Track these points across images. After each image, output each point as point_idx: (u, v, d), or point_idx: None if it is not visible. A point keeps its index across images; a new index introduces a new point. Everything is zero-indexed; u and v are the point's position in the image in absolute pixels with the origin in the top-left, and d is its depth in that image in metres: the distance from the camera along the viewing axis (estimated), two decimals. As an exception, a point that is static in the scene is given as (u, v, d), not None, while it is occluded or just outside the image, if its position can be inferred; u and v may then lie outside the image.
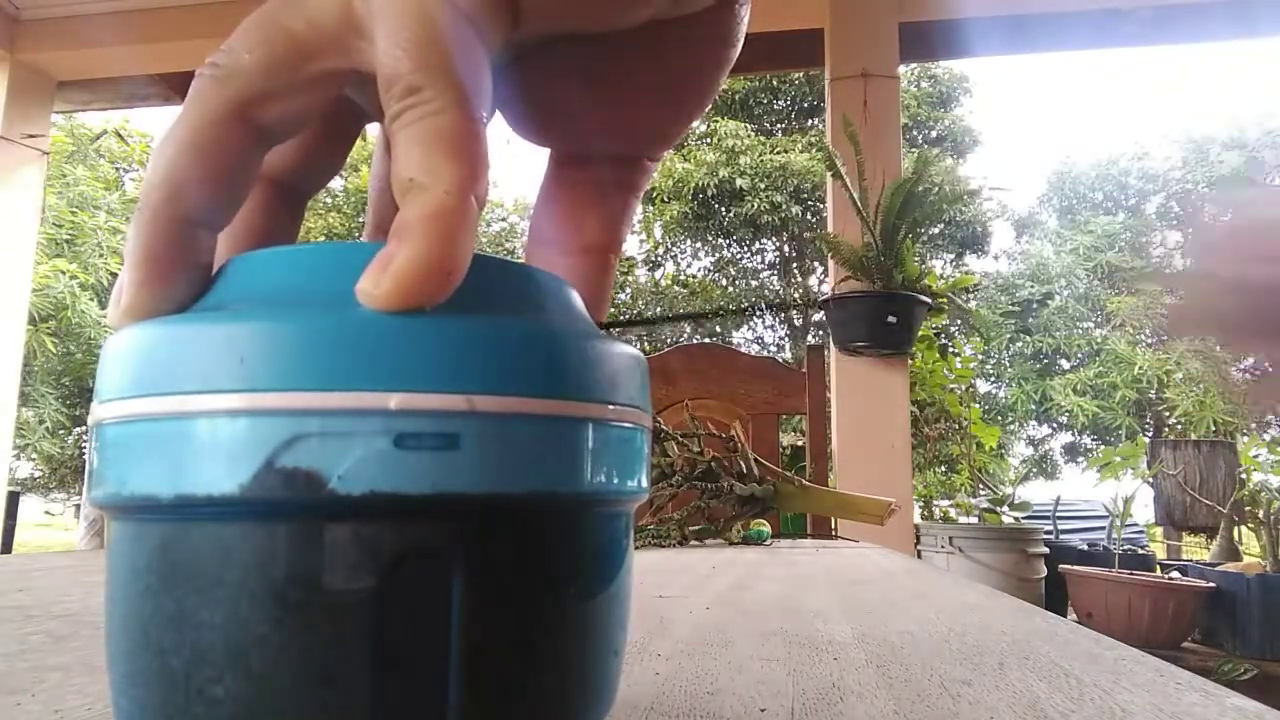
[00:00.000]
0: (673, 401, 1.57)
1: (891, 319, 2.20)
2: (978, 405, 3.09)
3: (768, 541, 1.08)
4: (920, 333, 2.36)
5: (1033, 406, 10.59)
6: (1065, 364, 11.07)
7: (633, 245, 11.08)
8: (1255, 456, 2.88)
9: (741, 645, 0.35)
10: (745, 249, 11.36)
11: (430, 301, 0.15)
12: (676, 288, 10.94)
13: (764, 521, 1.09)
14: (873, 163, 2.25)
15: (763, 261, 11.54)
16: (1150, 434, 9.77)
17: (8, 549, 4.24)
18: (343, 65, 0.17)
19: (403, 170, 0.16)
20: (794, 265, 11.22)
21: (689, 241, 11.26)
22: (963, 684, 0.28)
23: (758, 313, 11.05)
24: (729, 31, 0.22)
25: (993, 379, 11.13)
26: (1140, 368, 9.62)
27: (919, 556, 2.57)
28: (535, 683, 0.16)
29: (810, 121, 10.80)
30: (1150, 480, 3.22)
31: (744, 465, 1.06)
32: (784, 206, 9.86)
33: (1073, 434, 11.37)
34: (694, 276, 11.31)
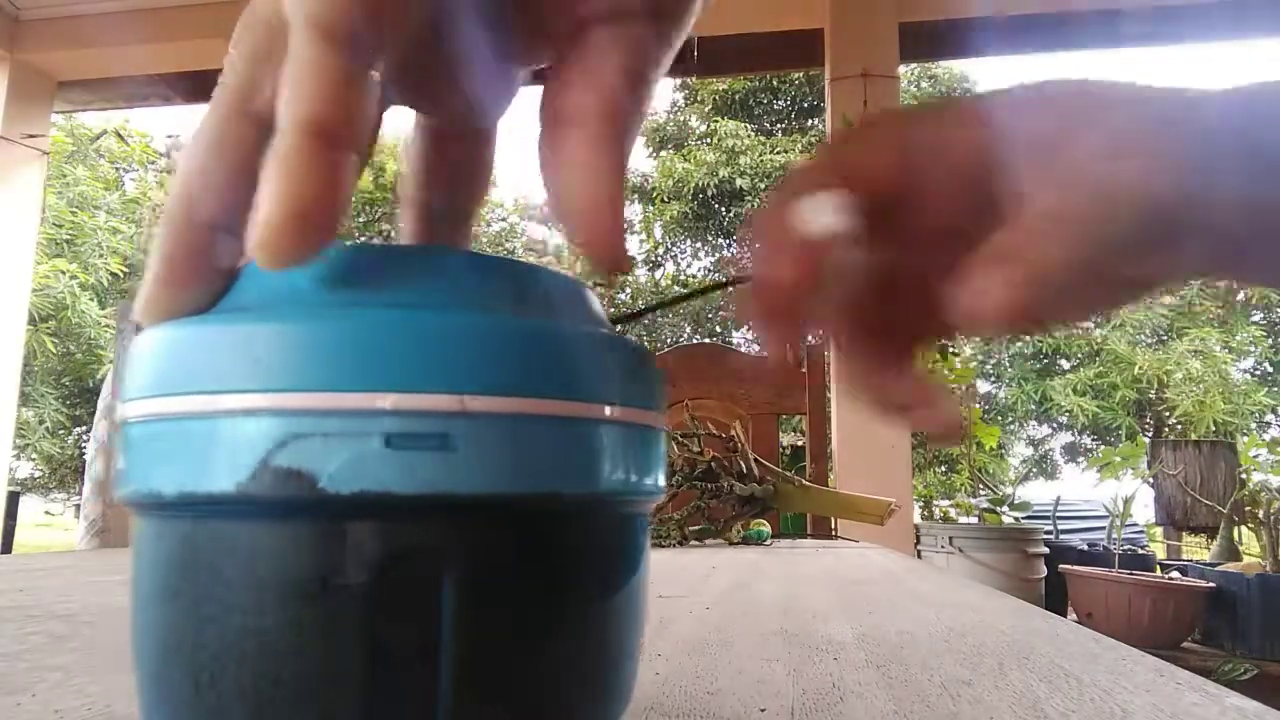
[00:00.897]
0: (672, 402, 1.57)
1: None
2: (978, 405, 3.09)
3: (768, 541, 1.08)
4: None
5: (1033, 406, 10.58)
6: (1065, 364, 11.06)
7: (633, 245, 11.07)
8: (1255, 456, 2.87)
9: (741, 645, 0.35)
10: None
11: (299, 250, 0.15)
12: (676, 288, 10.94)
13: (764, 521, 1.09)
14: (873, 163, 2.24)
15: (763, 261, 11.52)
16: (1150, 434, 9.76)
17: (8, 549, 4.23)
18: None
19: None
20: (794, 265, 11.21)
21: (689, 241, 11.25)
22: (963, 684, 0.28)
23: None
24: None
25: (993, 379, 11.13)
26: (1140, 368, 9.61)
27: (919, 556, 2.57)
28: (533, 683, 0.16)
29: (810, 121, 10.79)
30: (1150, 480, 3.22)
31: (744, 465, 1.06)
32: (784, 206, 9.85)
33: (1073, 434, 11.37)
34: (694, 276, 11.31)
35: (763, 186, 9.88)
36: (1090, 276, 0.20)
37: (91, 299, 7.12)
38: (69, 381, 7.63)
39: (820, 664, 0.31)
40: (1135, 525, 3.68)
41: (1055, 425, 11.47)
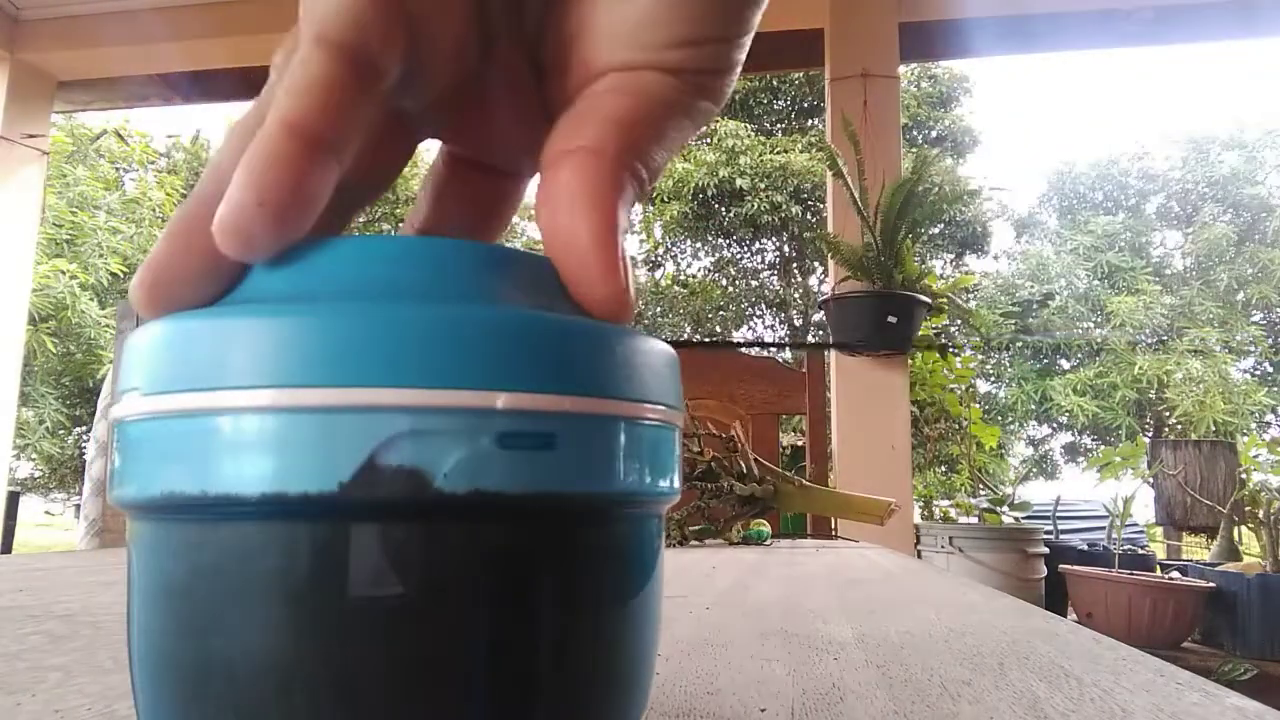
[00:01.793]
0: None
1: (891, 319, 2.20)
2: (978, 405, 3.09)
3: (768, 541, 1.08)
4: (920, 332, 2.37)
5: (1033, 406, 10.58)
6: (1065, 364, 11.07)
7: (633, 245, 11.08)
8: (1255, 456, 2.87)
9: (741, 645, 0.35)
10: (745, 249, 11.35)
11: (257, 238, 0.15)
12: (676, 288, 10.94)
13: (764, 521, 1.09)
14: (872, 163, 2.25)
15: (763, 261, 11.53)
16: (1150, 434, 9.77)
17: (8, 549, 4.24)
18: None
19: None
20: (794, 265, 11.21)
21: (689, 241, 11.25)
22: (963, 684, 0.28)
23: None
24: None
25: (993, 379, 11.13)
26: (1140, 368, 9.62)
27: (919, 556, 2.57)
28: (583, 681, 0.16)
29: (810, 121, 10.79)
30: (1150, 480, 3.22)
31: (744, 465, 1.06)
32: (784, 206, 9.85)
33: (1073, 434, 11.37)
34: (694, 276, 11.30)
35: (763, 186, 9.89)
36: None
37: (91, 299, 7.12)
38: (69, 381, 7.64)
39: (820, 664, 0.31)
40: (1135, 525, 3.68)
41: (1055, 425, 11.47)
